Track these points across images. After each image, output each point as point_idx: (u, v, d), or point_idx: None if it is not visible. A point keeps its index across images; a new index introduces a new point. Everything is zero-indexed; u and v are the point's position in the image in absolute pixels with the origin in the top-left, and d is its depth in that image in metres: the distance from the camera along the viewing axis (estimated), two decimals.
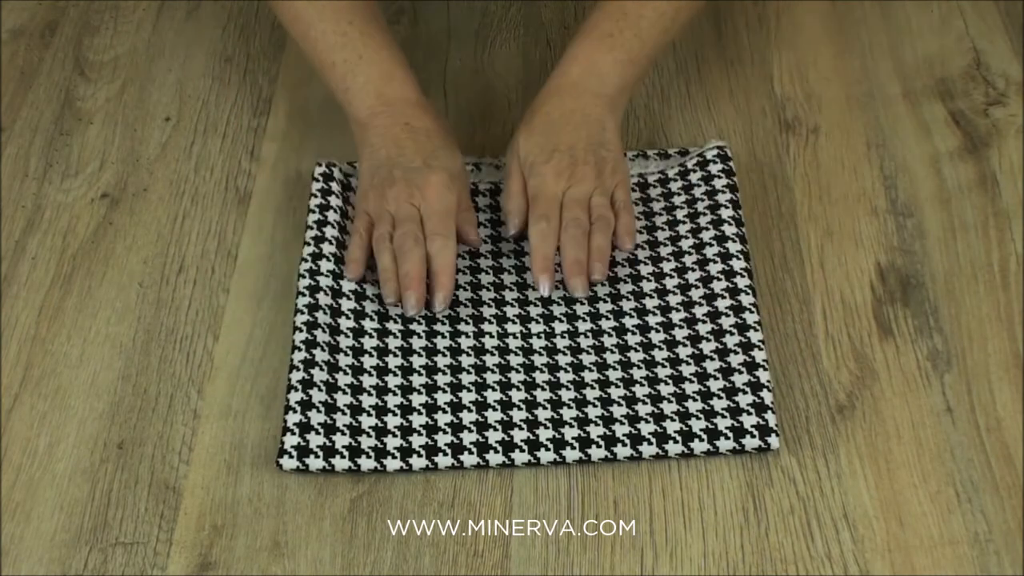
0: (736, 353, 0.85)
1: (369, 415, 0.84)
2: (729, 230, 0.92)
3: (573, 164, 0.90)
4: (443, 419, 0.84)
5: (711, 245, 0.92)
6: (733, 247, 0.91)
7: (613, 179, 0.91)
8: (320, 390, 0.85)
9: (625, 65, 0.94)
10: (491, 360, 0.87)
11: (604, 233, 0.89)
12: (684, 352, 0.86)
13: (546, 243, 0.89)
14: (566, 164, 0.90)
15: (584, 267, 0.89)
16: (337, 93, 0.96)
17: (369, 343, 0.88)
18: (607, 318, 0.89)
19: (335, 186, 0.96)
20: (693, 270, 0.91)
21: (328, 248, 0.92)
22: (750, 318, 0.86)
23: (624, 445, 0.81)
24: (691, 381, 0.85)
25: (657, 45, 0.95)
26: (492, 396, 0.85)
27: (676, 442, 0.81)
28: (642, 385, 0.85)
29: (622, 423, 0.83)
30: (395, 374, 0.87)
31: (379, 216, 0.91)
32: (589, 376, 0.86)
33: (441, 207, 0.90)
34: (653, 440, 0.82)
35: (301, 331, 0.87)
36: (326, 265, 0.91)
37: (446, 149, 0.93)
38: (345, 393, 0.85)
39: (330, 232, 0.93)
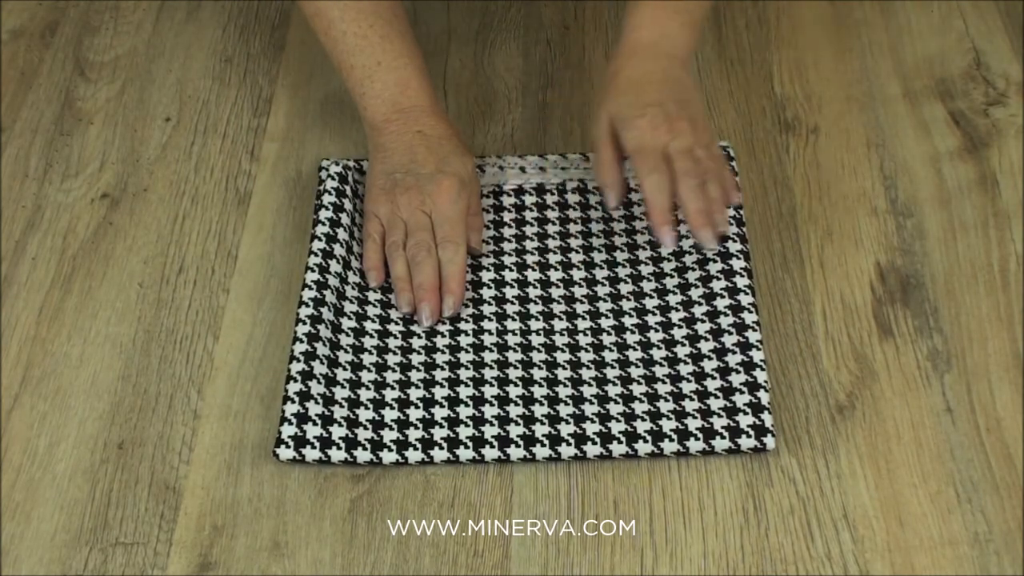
0: (734, 353, 0.85)
1: (367, 408, 0.84)
2: (730, 230, 0.92)
3: (668, 119, 0.87)
4: (440, 413, 0.84)
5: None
6: (733, 247, 0.91)
7: (705, 135, 0.89)
8: (319, 382, 0.85)
9: (690, 28, 0.92)
10: (489, 356, 0.87)
11: (716, 185, 0.86)
12: (682, 352, 0.86)
13: (663, 195, 0.85)
14: (661, 119, 0.87)
15: (710, 217, 0.85)
16: (353, 95, 0.97)
17: (369, 342, 0.89)
18: (607, 317, 0.90)
19: (349, 189, 0.97)
20: (693, 270, 0.91)
21: (339, 250, 0.93)
22: (748, 318, 0.86)
23: (620, 443, 0.82)
24: (688, 380, 0.85)
25: (709, 7, 0.95)
26: (489, 391, 0.85)
27: (672, 440, 0.82)
28: (639, 384, 0.85)
29: (618, 421, 0.83)
30: (393, 370, 0.87)
31: (391, 223, 0.93)
32: (587, 374, 0.86)
33: (452, 213, 0.91)
34: (649, 438, 0.82)
35: (304, 323, 0.87)
36: (335, 266, 0.91)
37: (457, 155, 0.94)
38: (344, 387, 0.86)
39: (342, 235, 0.94)
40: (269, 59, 1.13)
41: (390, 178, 0.93)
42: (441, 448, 0.82)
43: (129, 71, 1.13)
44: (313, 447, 0.82)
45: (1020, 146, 1.00)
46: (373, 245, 0.93)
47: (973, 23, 1.11)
